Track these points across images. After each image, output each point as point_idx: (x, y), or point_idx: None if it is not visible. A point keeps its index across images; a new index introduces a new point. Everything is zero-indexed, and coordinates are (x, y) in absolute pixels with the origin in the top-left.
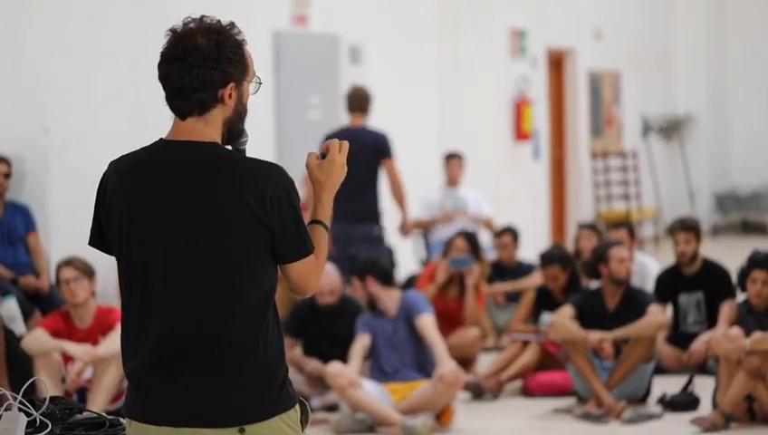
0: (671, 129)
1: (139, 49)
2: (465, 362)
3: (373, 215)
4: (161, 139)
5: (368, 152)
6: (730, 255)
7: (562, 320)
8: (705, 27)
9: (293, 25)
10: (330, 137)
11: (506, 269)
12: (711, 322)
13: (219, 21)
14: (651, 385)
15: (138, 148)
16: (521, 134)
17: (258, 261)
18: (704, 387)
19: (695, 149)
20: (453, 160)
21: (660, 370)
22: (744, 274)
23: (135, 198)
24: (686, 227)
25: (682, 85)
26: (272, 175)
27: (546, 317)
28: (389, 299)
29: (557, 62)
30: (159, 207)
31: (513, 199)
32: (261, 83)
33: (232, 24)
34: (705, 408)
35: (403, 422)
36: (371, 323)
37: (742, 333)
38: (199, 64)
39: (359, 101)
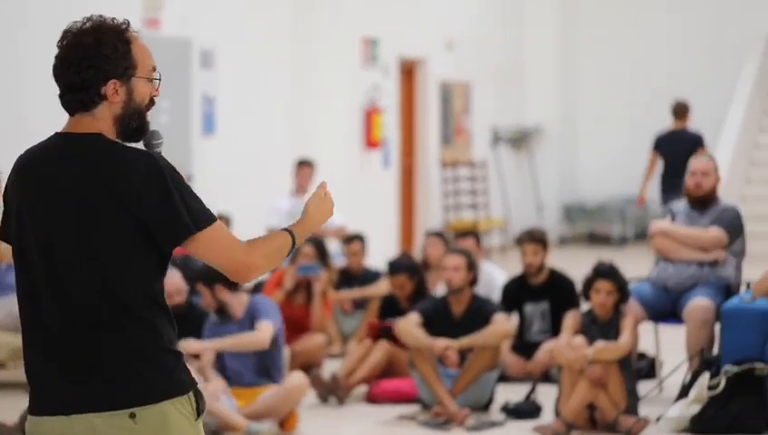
0: (520, 140)
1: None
2: (311, 368)
3: None
4: (56, 132)
5: (688, 145)
6: (576, 265)
7: (409, 327)
8: (555, 41)
9: (144, 28)
10: (658, 138)
11: (353, 276)
12: (556, 331)
13: (113, 20)
14: (495, 393)
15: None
16: (371, 142)
17: (130, 249)
18: (546, 395)
19: (543, 161)
20: (304, 168)
21: (504, 378)
22: (589, 284)
23: (22, 189)
24: (534, 239)
25: (532, 97)
26: (140, 163)
27: None
28: (238, 304)
29: (408, 72)
30: (40, 198)
31: (363, 207)
32: (160, 79)
33: (125, 22)
34: (547, 416)
35: (248, 427)
36: (216, 331)
37: (585, 343)
38: (77, 63)
39: (680, 108)
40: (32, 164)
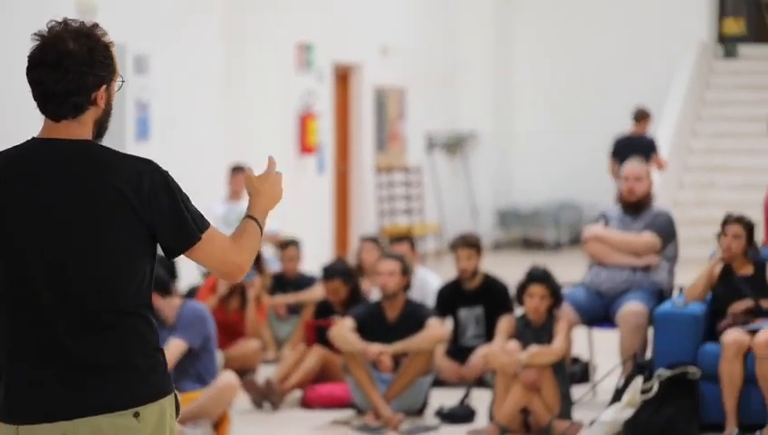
0: (455, 145)
1: None
2: (246, 373)
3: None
4: (34, 138)
5: (645, 149)
6: (511, 270)
7: (342, 332)
8: (491, 47)
9: None
10: (616, 143)
11: (288, 281)
12: (490, 336)
13: (84, 23)
14: (429, 397)
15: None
16: (306, 147)
17: (135, 254)
18: (481, 400)
19: (478, 166)
20: (238, 174)
21: (439, 382)
22: (522, 288)
23: (12, 194)
24: (468, 244)
25: (466, 103)
26: (147, 169)
27: None
28: (169, 308)
29: (343, 77)
30: (38, 203)
31: (298, 212)
32: (124, 81)
33: (97, 26)
34: (481, 420)
35: (182, 432)
36: None
37: (519, 347)
38: (74, 70)
39: (640, 114)
40: (22, 167)
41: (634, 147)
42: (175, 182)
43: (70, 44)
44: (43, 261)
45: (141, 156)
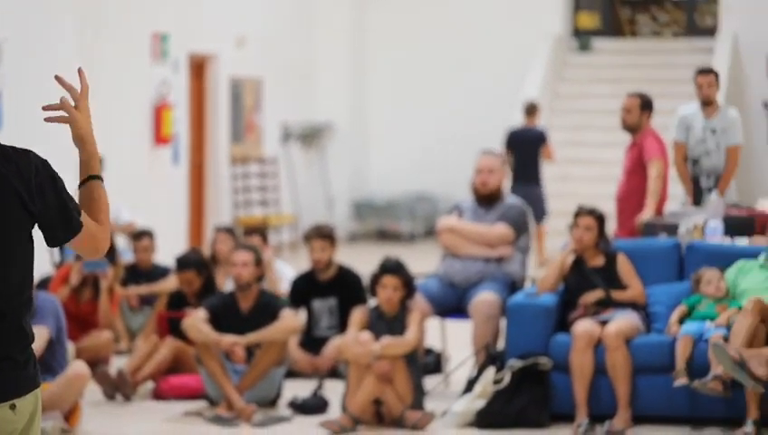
0: (311, 136)
1: None
2: (98, 364)
3: (538, 179)
4: None
5: (535, 140)
6: (366, 261)
7: (195, 323)
8: (347, 38)
9: None
10: (510, 135)
11: (141, 272)
12: (343, 327)
13: None
14: (282, 388)
15: None
16: (160, 138)
17: (22, 246)
18: (333, 391)
19: (334, 158)
20: None
21: (292, 373)
22: (375, 279)
23: None
24: (322, 235)
25: (323, 94)
26: (32, 162)
27: None
28: None
29: (199, 67)
30: None
31: (152, 203)
32: None
33: None
34: (334, 411)
35: None
36: None
37: (372, 338)
38: None
39: (530, 108)
40: None
41: (525, 139)
42: (54, 171)
43: None
44: None
45: (18, 146)
